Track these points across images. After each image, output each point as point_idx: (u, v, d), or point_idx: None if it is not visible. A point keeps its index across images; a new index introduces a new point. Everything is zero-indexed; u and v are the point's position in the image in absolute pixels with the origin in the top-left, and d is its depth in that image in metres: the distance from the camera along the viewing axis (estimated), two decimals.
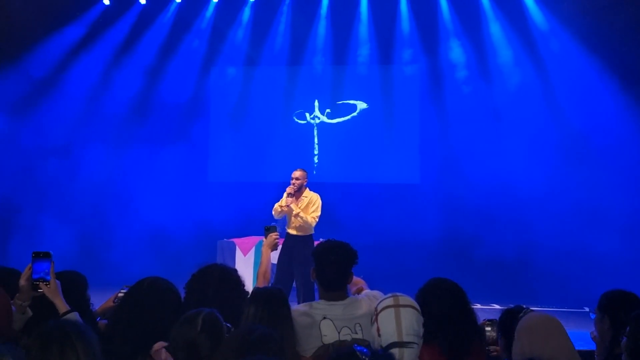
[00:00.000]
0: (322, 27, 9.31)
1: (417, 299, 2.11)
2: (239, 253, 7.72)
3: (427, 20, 9.00)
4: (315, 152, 9.61)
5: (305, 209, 5.68)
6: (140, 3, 9.15)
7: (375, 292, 2.51)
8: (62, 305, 2.17)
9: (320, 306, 2.37)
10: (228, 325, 1.89)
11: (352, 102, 9.58)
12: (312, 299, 4.60)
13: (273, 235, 3.12)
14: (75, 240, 7.50)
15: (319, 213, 5.75)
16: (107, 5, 9.07)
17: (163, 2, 9.30)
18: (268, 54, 9.46)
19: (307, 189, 5.82)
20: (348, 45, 9.32)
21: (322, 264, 2.42)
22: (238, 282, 2.40)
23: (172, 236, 8.45)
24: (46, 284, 2.18)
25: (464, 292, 2.25)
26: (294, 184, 5.68)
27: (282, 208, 5.71)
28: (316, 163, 9.59)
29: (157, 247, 8.45)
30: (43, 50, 8.59)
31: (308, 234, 5.76)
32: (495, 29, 8.75)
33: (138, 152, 9.03)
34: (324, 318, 2.30)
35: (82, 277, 2.47)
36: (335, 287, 2.40)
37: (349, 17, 9.21)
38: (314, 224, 5.69)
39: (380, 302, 2.05)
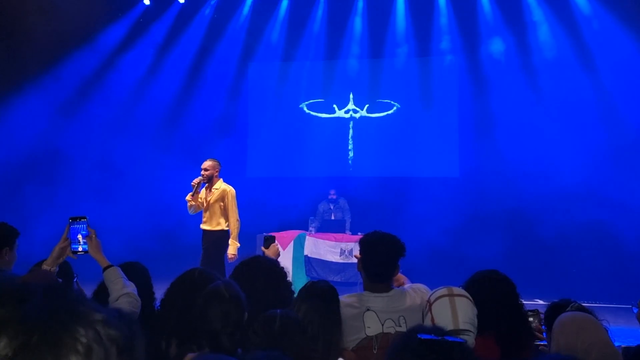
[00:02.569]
0: (358, 20, 9.28)
1: (467, 291, 2.09)
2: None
3: (466, 10, 8.83)
4: (350, 146, 9.59)
5: (215, 203, 5.20)
6: (179, 2, 9.34)
7: (420, 285, 2.50)
8: (103, 261, 2.36)
9: (364, 297, 2.36)
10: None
11: (389, 101, 9.51)
12: None
13: (275, 246, 3.17)
14: (116, 235, 7.66)
15: (235, 215, 5.18)
16: (148, 5, 9.29)
17: (201, 0, 9.45)
18: (305, 49, 9.50)
19: (221, 180, 5.30)
20: (385, 38, 9.25)
21: (368, 255, 2.40)
22: (284, 273, 2.44)
23: None
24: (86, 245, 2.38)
25: (515, 284, 2.23)
26: (202, 174, 5.16)
27: (188, 202, 5.22)
28: (351, 157, 9.58)
29: (197, 242, 8.59)
30: (85, 52, 8.79)
31: (215, 228, 5.26)
32: (537, 17, 8.50)
33: (177, 149, 9.20)
34: (368, 310, 2.29)
35: (143, 267, 2.65)
36: (380, 278, 2.38)
37: (385, 10, 9.14)
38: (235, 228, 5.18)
39: (433, 293, 2.04)
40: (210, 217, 5.26)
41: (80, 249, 2.40)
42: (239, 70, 9.77)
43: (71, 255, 2.41)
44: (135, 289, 2.30)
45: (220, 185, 5.27)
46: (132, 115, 9.26)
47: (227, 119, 9.69)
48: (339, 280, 7.54)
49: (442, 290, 2.02)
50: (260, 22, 9.47)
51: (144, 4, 9.27)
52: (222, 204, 5.24)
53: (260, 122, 9.98)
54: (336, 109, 9.69)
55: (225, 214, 5.24)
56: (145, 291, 2.45)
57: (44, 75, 8.26)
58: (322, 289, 2.17)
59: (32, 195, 8.12)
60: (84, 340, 0.48)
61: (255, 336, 1.79)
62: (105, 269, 2.34)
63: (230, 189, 5.25)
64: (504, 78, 8.59)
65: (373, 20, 9.22)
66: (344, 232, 8.05)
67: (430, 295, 2.05)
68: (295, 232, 7.94)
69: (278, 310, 1.86)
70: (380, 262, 2.38)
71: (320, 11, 9.35)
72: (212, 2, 9.47)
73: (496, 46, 8.72)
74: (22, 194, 8.11)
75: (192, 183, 5.15)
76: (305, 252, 7.80)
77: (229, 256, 5.20)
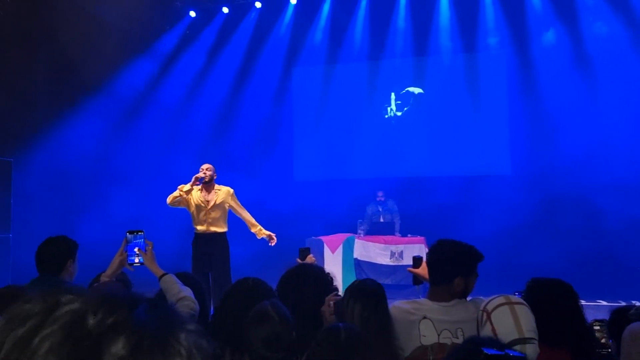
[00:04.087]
0: (401, 19, 9.18)
1: (528, 300, 2.01)
2: (327, 250, 7.82)
3: (513, 3, 8.58)
4: (395, 146, 9.47)
5: (221, 203, 5.27)
6: (223, 12, 9.53)
7: (481, 298, 2.43)
8: (158, 271, 2.49)
9: (422, 305, 2.30)
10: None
11: (407, 90, 9.34)
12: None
13: (311, 258, 3.17)
14: (165, 244, 7.76)
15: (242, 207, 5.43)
16: (194, 17, 9.53)
17: (245, 9, 9.62)
18: (348, 50, 9.50)
19: (216, 184, 5.42)
20: (429, 36, 9.11)
21: (429, 259, 2.40)
22: (330, 279, 2.46)
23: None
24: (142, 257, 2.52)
25: (577, 293, 2.15)
26: (205, 174, 5.22)
27: (180, 191, 5.18)
28: (397, 158, 9.46)
29: (245, 247, 8.70)
30: (136, 67, 8.99)
31: (223, 230, 5.33)
32: (589, 6, 8.13)
33: (226, 155, 9.35)
34: (424, 317, 2.24)
35: (194, 276, 2.81)
36: (435, 283, 2.34)
37: (428, 7, 9.00)
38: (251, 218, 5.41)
39: (489, 302, 1.96)
40: (217, 220, 5.27)
41: (137, 260, 2.53)
42: (283, 76, 9.87)
43: (128, 267, 2.54)
44: (191, 292, 2.39)
45: (221, 187, 5.36)
46: (179, 124, 9.50)
47: (274, 124, 9.81)
48: (389, 282, 7.47)
49: (500, 299, 1.95)
50: (302, 27, 9.54)
51: (191, 16, 9.51)
52: (227, 204, 5.31)
53: (306, 125, 10.04)
54: (387, 109, 9.63)
55: (225, 216, 5.33)
56: (198, 299, 2.52)
57: (97, 90, 8.50)
58: (372, 287, 2.17)
59: (85, 205, 8.31)
60: (185, 344, 0.52)
61: (320, 349, 1.78)
62: (160, 277, 2.46)
63: (231, 189, 5.40)
64: (555, 70, 8.26)
65: (416, 17, 9.08)
66: (393, 234, 7.99)
67: (486, 305, 1.98)
68: (344, 235, 7.94)
69: (340, 324, 1.85)
70: (434, 267, 2.35)
71: (362, 11, 9.31)
72: (256, 10, 9.61)
73: (547, 38, 8.41)
74: (74, 204, 8.32)
75: (195, 176, 5.16)
76: (355, 255, 7.78)
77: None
